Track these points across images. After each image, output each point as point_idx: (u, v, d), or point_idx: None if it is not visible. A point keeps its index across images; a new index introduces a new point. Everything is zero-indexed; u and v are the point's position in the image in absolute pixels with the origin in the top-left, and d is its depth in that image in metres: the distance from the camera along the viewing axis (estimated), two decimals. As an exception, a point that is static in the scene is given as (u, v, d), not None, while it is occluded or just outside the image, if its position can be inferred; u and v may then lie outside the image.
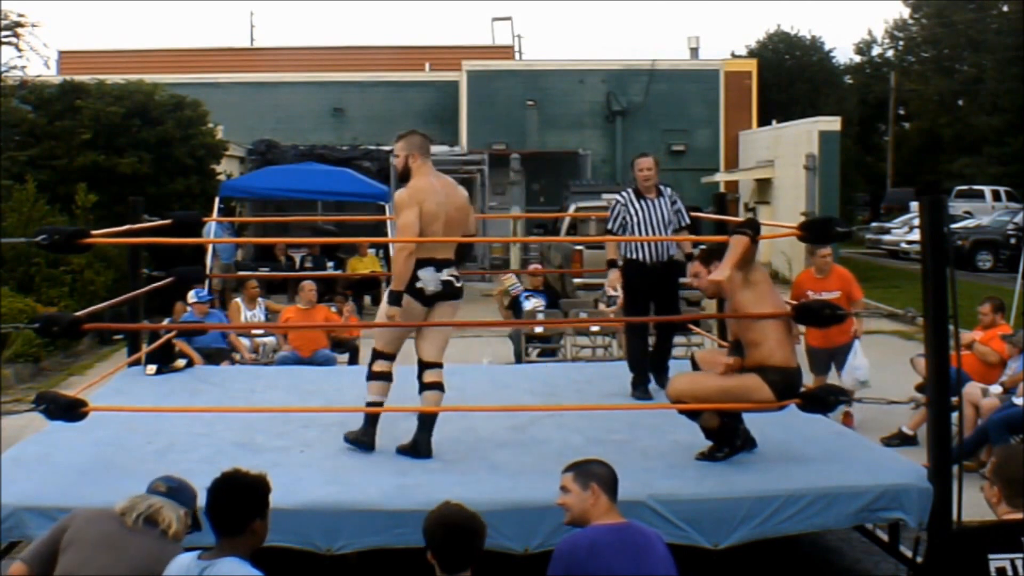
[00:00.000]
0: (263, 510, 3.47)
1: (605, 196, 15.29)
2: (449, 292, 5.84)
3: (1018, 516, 3.44)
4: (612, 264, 7.58)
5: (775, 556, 5.74)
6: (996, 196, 31.68)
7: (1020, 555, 3.33)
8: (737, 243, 5.35)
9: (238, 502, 3.43)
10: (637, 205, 7.37)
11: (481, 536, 3.45)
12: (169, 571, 3.44)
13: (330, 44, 35.26)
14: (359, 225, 19.47)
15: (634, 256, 7.36)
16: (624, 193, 7.56)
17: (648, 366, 7.39)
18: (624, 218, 7.39)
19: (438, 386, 5.86)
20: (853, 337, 9.17)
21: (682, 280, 7.41)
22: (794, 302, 7.30)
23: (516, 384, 7.75)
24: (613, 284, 7.54)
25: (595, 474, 3.93)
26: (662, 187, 7.51)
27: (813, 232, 5.72)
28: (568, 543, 3.81)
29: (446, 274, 5.81)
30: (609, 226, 7.50)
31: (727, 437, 5.57)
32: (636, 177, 7.54)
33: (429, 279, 5.74)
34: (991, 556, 3.34)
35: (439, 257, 5.80)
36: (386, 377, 5.89)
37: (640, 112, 26.74)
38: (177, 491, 3.81)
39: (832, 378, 9.21)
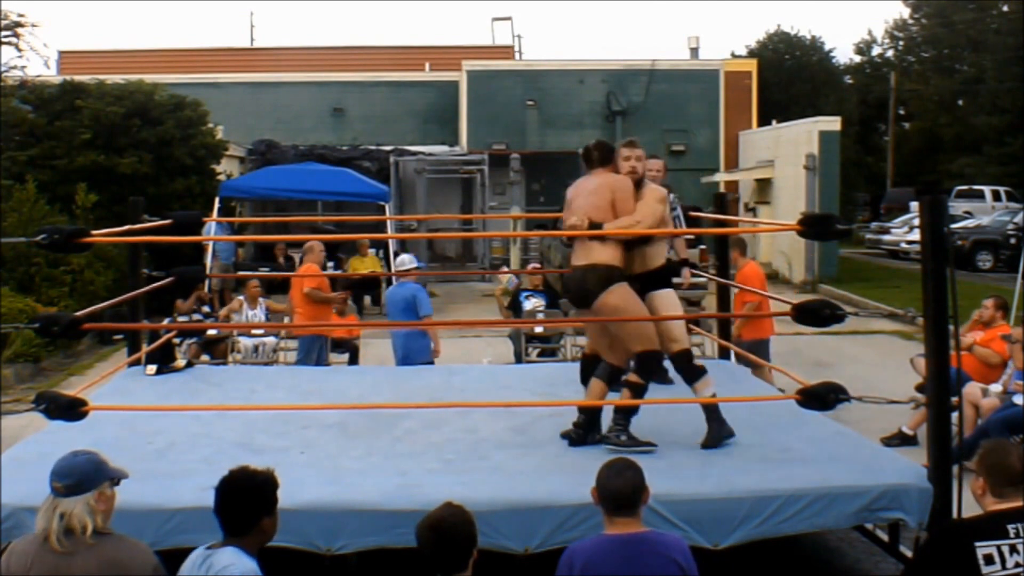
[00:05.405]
0: (271, 508, 3.45)
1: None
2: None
3: (1003, 507, 3.47)
4: None
5: (775, 556, 5.73)
6: (996, 196, 31.66)
7: (1005, 541, 3.38)
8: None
9: (246, 502, 3.41)
10: None
11: (467, 539, 3.38)
12: (183, 570, 3.46)
13: (330, 44, 35.30)
14: (359, 225, 19.47)
15: None
16: None
17: None
18: None
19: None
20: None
21: (676, 280, 7.39)
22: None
23: (516, 384, 7.75)
24: None
25: None
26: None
27: (812, 227, 5.71)
28: (570, 550, 3.76)
29: None
30: None
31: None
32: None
33: None
34: (977, 543, 3.39)
35: None
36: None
37: (640, 112, 26.73)
38: (77, 483, 3.41)
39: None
